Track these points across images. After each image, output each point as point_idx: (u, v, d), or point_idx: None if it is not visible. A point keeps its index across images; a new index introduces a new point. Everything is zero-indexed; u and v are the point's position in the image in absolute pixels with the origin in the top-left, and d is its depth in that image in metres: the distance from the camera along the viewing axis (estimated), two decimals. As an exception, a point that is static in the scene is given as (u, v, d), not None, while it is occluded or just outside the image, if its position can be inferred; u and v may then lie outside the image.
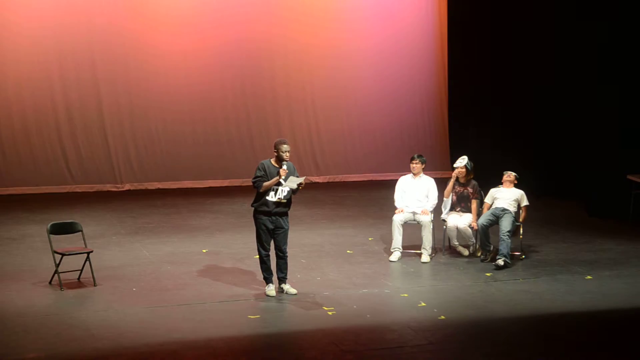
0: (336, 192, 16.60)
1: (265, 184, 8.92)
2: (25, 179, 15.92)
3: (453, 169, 11.22)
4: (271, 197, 8.97)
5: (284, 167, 8.93)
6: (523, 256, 10.93)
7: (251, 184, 9.09)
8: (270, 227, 9.06)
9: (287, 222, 9.18)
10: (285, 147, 8.97)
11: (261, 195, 8.98)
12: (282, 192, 8.97)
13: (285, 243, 9.16)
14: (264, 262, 9.14)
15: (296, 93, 17.61)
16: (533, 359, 7.53)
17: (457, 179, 11.13)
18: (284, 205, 9.05)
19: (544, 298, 9.32)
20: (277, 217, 9.06)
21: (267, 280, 9.19)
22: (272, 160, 9.06)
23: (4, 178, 15.79)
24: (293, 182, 8.93)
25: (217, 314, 8.55)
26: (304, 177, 9.05)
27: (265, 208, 8.98)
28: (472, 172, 11.15)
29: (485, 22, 17.24)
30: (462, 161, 11.10)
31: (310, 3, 17.51)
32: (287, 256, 9.21)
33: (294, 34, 17.42)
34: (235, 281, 9.66)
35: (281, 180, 8.88)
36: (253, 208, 9.09)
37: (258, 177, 8.96)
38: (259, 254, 9.17)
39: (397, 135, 18.22)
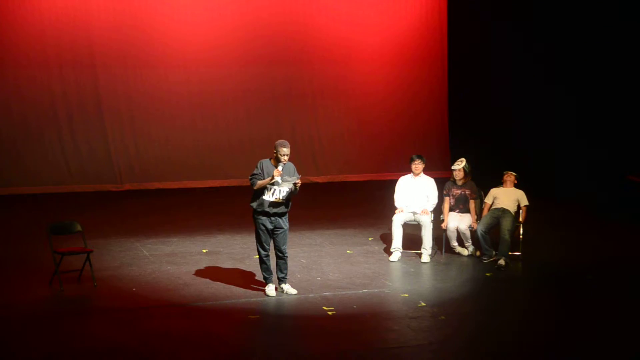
0: (336, 192, 16.61)
1: (259, 182, 8.93)
2: (26, 179, 15.93)
3: (452, 170, 11.21)
4: (268, 197, 8.97)
5: (280, 168, 8.93)
6: (523, 256, 10.92)
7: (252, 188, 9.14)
8: (270, 227, 9.06)
9: (287, 222, 9.18)
10: (283, 150, 8.93)
11: (258, 194, 8.99)
12: (281, 192, 8.96)
13: (285, 243, 9.16)
14: (264, 262, 9.14)
15: (296, 93, 17.64)
16: (533, 358, 7.54)
17: (454, 181, 11.14)
18: (283, 205, 9.03)
19: (544, 298, 9.32)
20: (276, 217, 9.06)
21: (267, 280, 9.19)
22: (271, 160, 9.06)
23: (4, 178, 15.80)
24: (287, 183, 8.94)
25: (217, 314, 8.55)
26: (297, 177, 9.04)
27: (263, 208, 8.98)
28: (469, 174, 11.14)
29: (485, 23, 17.26)
30: (460, 164, 11.10)
31: (311, 5, 17.52)
32: (287, 256, 9.21)
33: (295, 34, 17.44)
34: (235, 281, 9.65)
35: (277, 179, 8.88)
36: (252, 208, 9.09)
37: (254, 174, 9.00)
38: (259, 254, 9.16)
39: (397, 135, 18.24)
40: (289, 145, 9.03)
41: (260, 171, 8.98)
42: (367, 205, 14.90)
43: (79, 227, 9.77)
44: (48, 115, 16.13)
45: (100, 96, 16.37)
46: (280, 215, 9.08)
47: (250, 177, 9.02)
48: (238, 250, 11.25)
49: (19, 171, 15.95)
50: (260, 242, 9.08)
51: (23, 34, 15.83)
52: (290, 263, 9.42)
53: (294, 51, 17.50)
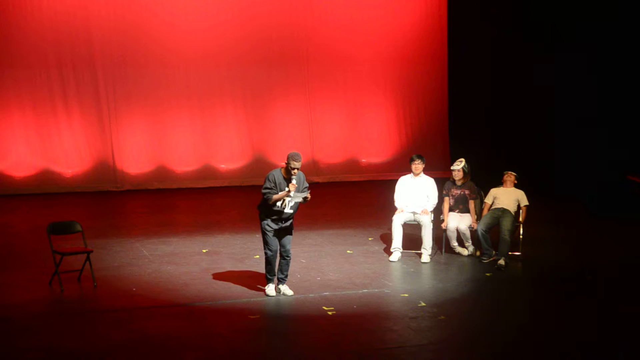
0: (336, 192, 16.60)
1: (275, 197, 8.89)
2: (26, 179, 15.95)
3: (451, 170, 11.21)
4: (278, 207, 8.94)
5: (294, 181, 8.90)
6: (523, 256, 10.91)
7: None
8: (276, 228, 9.05)
9: (292, 223, 9.19)
10: (295, 164, 8.84)
11: (267, 204, 8.94)
12: (289, 203, 8.94)
13: (290, 242, 9.16)
14: (269, 263, 9.12)
15: (296, 93, 17.63)
16: (534, 358, 7.54)
17: (453, 181, 11.14)
18: (290, 214, 9.04)
19: (544, 298, 9.32)
20: (284, 220, 9.07)
21: (269, 280, 9.18)
22: (282, 171, 9.01)
23: (5, 178, 15.81)
24: (298, 197, 8.92)
25: (217, 314, 8.55)
26: (308, 191, 9.01)
27: (271, 216, 8.97)
28: (469, 174, 11.14)
29: (485, 23, 17.27)
30: (459, 164, 11.09)
31: (311, 6, 17.53)
32: (290, 257, 9.20)
33: (294, 35, 17.45)
34: (235, 281, 9.66)
35: (290, 194, 8.88)
36: (259, 211, 9.07)
37: (268, 189, 8.92)
38: (265, 254, 9.12)
39: (397, 136, 18.24)
40: (301, 159, 8.96)
41: (273, 184, 8.92)
42: (367, 205, 14.90)
43: (79, 227, 9.77)
44: (48, 115, 16.14)
45: (100, 96, 16.37)
46: (287, 219, 9.09)
47: (263, 192, 8.92)
48: (238, 250, 11.25)
49: (19, 171, 15.97)
50: (267, 243, 9.06)
51: (23, 34, 15.83)
52: (290, 263, 9.42)
53: (294, 52, 17.50)
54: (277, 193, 8.89)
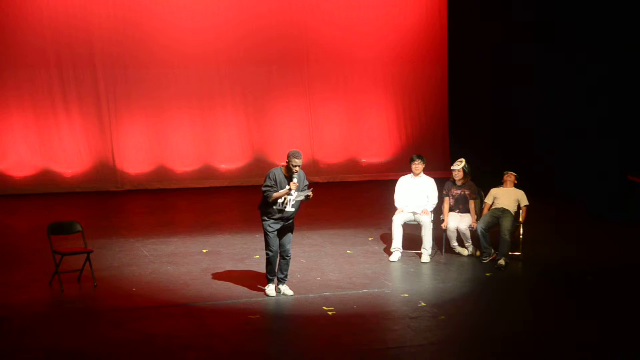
0: (336, 192, 16.60)
1: (275, 194, 8.90)
2: (26, 179, 15.94)
3: (451, 170, 11.21)
4: (279, 206, 8.94)
5: (295, 180, 8.91)
6: (523, 256, 10.91)
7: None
8: (277, 228, 9.05)
9: (293, 222, 9.19)
10: (296, 161, 8.87)
11: (268, 202, 8.95)
12: (290, 201, 8.94)
13: (290, 242, 9.16)
14: (270, 263, 9.12)
15: (296, 93, 17.63)
16: (534, 358, 7.54)
17: (454, 181, 11.14)
18: (292, 212, 9.05)
19: (544, 298, 9.32)
20: (285, 220, 9.07)
21: (269, 280, 9.18)
22: (283, 169, 9.01)
23: (5, 178, 15.80)
24: (300, 195, 8.93)
25: (217, 314, 8.55)
26: (310, 190, 9.01)
27: (272, 216, 8.97)
28: (469, 174, 11.14)
29: (485, 23, 17.26)
30: (459, 164, 11.09)
31: (311, 6, 17.52)
32: (289, 257, 9.20)
33: (295, 35, 17.45)
34: (235, 281, 9.66)
35: (291, 192, 8.88)
36: (260, 211, 9.07)
37: (268, 186, 8.92)
38: (266, 254, 9.12)
39: (397, 136, 18.24)
40: (302, 156, 8.98)
41: (273, 182, 8.92)
42: (367, 205, 14.90)
43: (79, 227, 9.77)
44: (48, 115, 16.14)
45: (100, 96, 16.38)
46: (289, 219, 9.09)
47: (264, 190, 8.93)
48: (238, 250, 11.25)
49: (19, 171, 15.97)
50: (268, 244, 9.06)
51: (23, 34, 15.84)
52: (290, 263, 9.42)
53: (294, 52, 17.50)
54: (278, 191, 8.90)
